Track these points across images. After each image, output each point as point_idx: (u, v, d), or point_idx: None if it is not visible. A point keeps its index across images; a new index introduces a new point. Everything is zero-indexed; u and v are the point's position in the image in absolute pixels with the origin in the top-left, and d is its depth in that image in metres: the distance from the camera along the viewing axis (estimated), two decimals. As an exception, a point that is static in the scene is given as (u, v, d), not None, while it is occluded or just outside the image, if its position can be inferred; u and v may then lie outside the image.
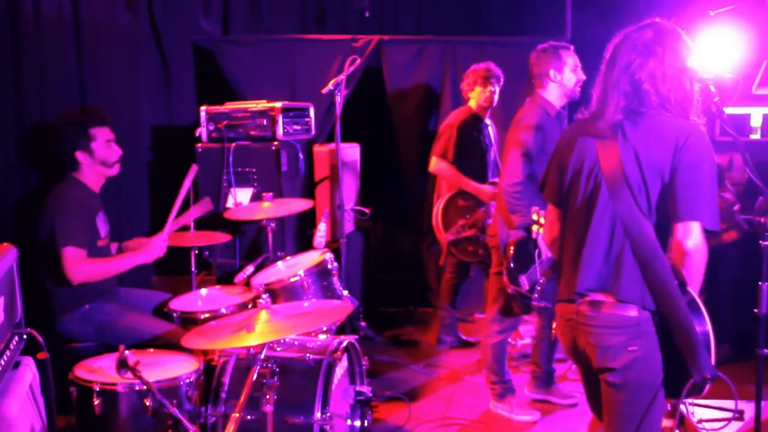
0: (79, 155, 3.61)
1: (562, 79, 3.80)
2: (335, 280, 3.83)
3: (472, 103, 4.91)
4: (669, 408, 3.22)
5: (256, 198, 4.56)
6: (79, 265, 3.45)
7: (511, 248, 3.67)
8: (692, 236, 2.20)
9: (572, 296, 2.36)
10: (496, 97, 4.87)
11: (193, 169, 3.81)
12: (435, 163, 4.86)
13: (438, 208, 4.89)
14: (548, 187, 2.57)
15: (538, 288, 3.74)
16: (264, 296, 2.68)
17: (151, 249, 3.63)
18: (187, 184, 3.75)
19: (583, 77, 3.85)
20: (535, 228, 2.84)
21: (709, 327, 2.26)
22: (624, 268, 2.26)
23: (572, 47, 3.87)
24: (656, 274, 2.21)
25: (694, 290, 2.30)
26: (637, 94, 2.31)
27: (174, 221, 3.76)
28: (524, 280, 3.69)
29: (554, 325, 2.59)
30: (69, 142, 3.60)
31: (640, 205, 2.26)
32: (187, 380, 2.93)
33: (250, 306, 3.62)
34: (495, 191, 4.66)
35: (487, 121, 5.01)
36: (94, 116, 3.65)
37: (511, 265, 3.67)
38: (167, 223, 3.70)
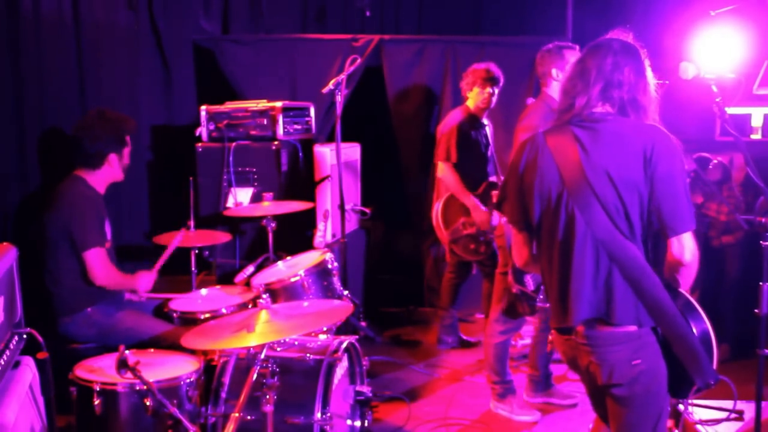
0: (112, 158, 3.67)
1: None
2: (335, 280, 3.83)
3: (470, 103, 4.90)
4: (668, 408, 3.22)
5: (256, 198, 4.56)
6: (106, 268, 3.53)
7: None
8: (687, 248, 2.20)
9: (566, 326, 2.33)
10: (494, 99, 4.85)
11: (182, 232, 3.96)
12: (442, 170, 4.85)
13: (438, 207, 4.88)
14: (509, 210, 2.47)
15: (543, 288, 3.73)
16: (264, 296, 2.68)
17: (142, 280, 3.71)
18: (176, 242, 3.88)
19: None
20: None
21: (707, 324, 2.27)
22: (615, 293, 2.22)
23: (577, 47, 3.87)
24: (648, 292, 2.19)
25: (685, 291, 2.30)
26: (603, 91, 2.28)
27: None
28: (529, 280, 3.68)
29: (550, 338, 2.58)
30: (107, 144, 3.65)
31: (620, 227, 2.21)
32: (188, 380, 2.93)
33: (250, 306, 3.61)
34: (489, 216, 4.67)
35: (485, 121, 5.00)
36: (130, 124, 3.79)
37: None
38: (156, 266, 3.79)
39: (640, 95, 2.29)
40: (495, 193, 3.72)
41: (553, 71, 3.79)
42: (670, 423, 3.26)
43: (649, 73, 2.33)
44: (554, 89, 3.82)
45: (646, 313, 2.21)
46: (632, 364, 2.24)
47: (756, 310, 3.00)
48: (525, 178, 2.38)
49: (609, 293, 2.23)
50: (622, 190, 2.20)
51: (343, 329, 4.17)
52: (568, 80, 2.39)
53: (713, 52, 3.43)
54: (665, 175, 2.18)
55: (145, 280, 3.71)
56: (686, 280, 2.26)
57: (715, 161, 4.86)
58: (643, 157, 2.19)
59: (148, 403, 2.78)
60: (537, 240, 2.44)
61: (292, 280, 3.65)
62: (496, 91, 4.84)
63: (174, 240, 3.89)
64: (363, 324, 4.92)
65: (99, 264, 3.50)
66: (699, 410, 3.61)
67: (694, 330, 2.22)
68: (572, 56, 3.81)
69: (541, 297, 3.70)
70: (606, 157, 2.23)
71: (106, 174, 3.70)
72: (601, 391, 2.38)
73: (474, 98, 4.86)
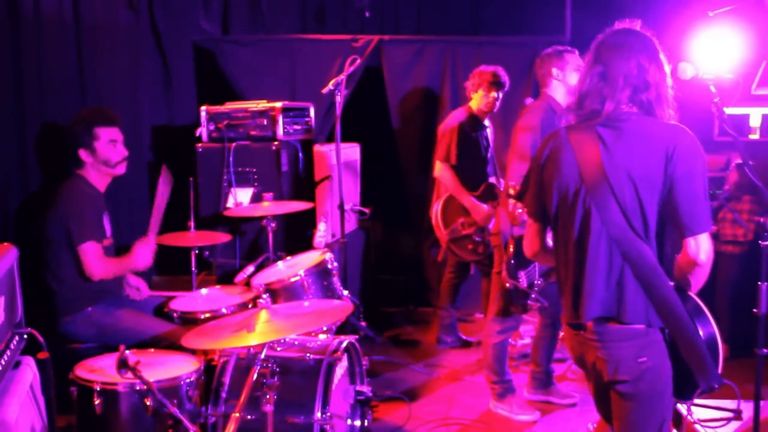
0: (83, 153, 3.64)
1: (564, 77, 3.82)
2: (335, 280, 3.83)
3: (473, 104, 4.90)
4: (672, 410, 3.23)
5: (256, 198, 4.57)
6: (99, 261, 3.52)
7: (511, 246, 3.69)
8: (703, 248, 2.20)
9: (577, 322, 2.35)
10: (497, 104, 4.84)
11: (163, 176, 3.77)
12: (439, 169, 4.86)
13: (438, 206, 4.89)
14: (529, 201, 2.51)
15: (536, 287, 3.75)
16: (264, 296, 2.69)
17: (140, 254, 3.61)
18: (163, 196, 3.74)
19: None
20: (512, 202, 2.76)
21: (714, 328, 2.29)
22: (627, 292, 2.23)
23: (576, 52, 3.89)
24: (658, 293, 2.20)
25: (693, 293, 2.31)
26: (630, 96, 2.27)
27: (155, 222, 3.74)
28: (523, 277, 3.70)
29: (561, 335, 2.60)
30: (74, 140, 3.64)
31: (634, 226, 2.22)
32: (188, 380, 2.94)
33: (250, 306, 3.62)
34: (490, 212, 4.68)
35: (486, 122, 5.01)
36: (100, 116, 3.69)
37: (512, 261, 3.69)
38: (151, 229, 3.69)
39: (663, 89, 2.29)
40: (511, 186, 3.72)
41: (554, 70, 3.81)
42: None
43: (665, 62, 2.32)
44: (554, 88, 3.84)
45: (655, 314, 2.23)
46: (638, 361, 2.25)
47: (755, 310, 3.01)
48: (545, 171, 2.40)
49: (621, 293, 2.24)
50: (641, 189, 2.21)
51: (343, 329, 4.18)
52: (589, 82, 2.34)
53: (711, 52, 3.45)
54: (685, 174, 2.18)
55: (143, 253, 3.62)
56: (698, 282, 2.27)
57: (735, 163, 4.77)
58: (665, 156, 2.19)
59: (148, 403, 2.78)
60: (553, 234, 2.46)
61: (292, 280, 3.66)
62: (501, 95, 4.83)
63: (159, 194, 3.76)
64: (363, 324, 4.93)
65: (93, 257, 3.49)
66: (698, 410, 3.62)
67: (701, 333, 2.24)
68: (572, 59, 3.84)
69: (534, 296, 3.72)
70: (627, 156, 2.23)
71: (97, 170, 3.69)
72: (606, 389, 2.39)
73: (478, 100, 4.86)
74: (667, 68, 2.32)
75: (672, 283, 2.24)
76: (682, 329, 2.20)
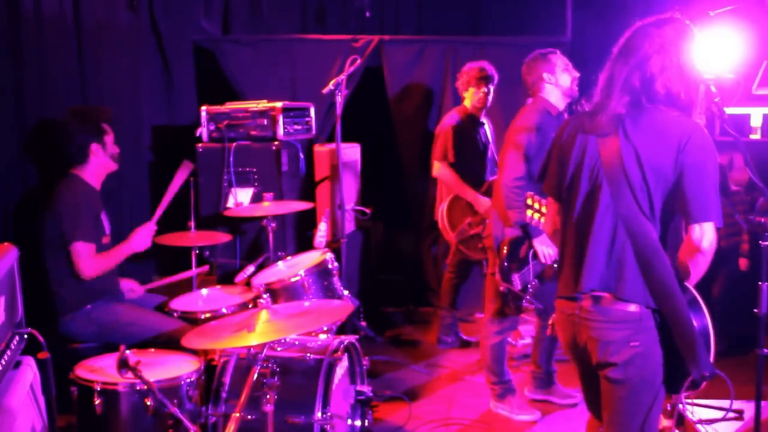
0: (94, 147, 3.67)
1: (556, 80, 3.85)
2: (336, 280, 3.83)
3: (467, 103, 4.92)
4: (668, 408, 3.23)
5: (256, 198, 4.57)
6: (91, 261, 3.52)
7: (505, 247, 3.69)
8: (707, 236, 2.22)
9: (574, 294, 2.37)
10: (490, 98, 4.86)
11: (187, 166, 3.84)
12: (438, 168, 4.86)
13: (443, 208, 4.89)
14: (548, 180, 2.57)
15: (530, 289, 3.74)
16: (264, 296, 2.69)
17: (138, 238, 3.66)
18: (179, 179, 3.81)
19: (577, 74, 3.90)
20: (529, 213, 2.80)
21: (708, 321, 2.31)
22: (627, 269, 2.27)
23: (558, 51, 3.91)
24: (658, 275, 2.23)
25: (691, 286, 2.32)
26: (646, 90, 2.31)
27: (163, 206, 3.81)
28: (517, 279, 3.70)
29: (551, 321, 2.59)
30: (85, 135, 3.67)
31: (642, 206, 2.26)
32: (188, 380, 2.94)
33: (250, 306, 3.62)
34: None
35: (483, 120, 5.01)
36: (104, 112, 3.79)
37: (505, 263, 3.68)
38: (155, 214, 3.74)
39: (674, 84, 2.31)
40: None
41: (545, 75, 3.85)
42: (669, 423, 3.27)
43: (695, 59, 2.32)
44: (549, 92, 3.86)
45: (652, 296, 2.25)
46: (630, 345, 2.27)
47: (755, 310, 3.01)
48: (565, 148, 2.46)
49: (621, 269, 2.28)
50: (648, 174, 2.25)
51: (343, 329, 4.18)
52: (612, 73, 2.37)
53: (712, 52, 3.44)
54: (695, 165, 2.22)
55: (141, 236, 3.67)
56: (697, 271, 2.29)
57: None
58: (677, 146, 2.24)
59: (148, 403, 2.78)
60: (563, 210, 2.49)
61: (293, 280, 3.66)
62: (492, 89, 4.85)
63: (175, 180, 3.81)
64: (363, 324, 4.93)
65: (83, 257, 3.50)
66: (699, 410, 3.62)
67: (695, 324, 2.24)
68: (558, 60, 3.87)
69: (528, 297, 3.72)
70: (641, 140, 2.28)
71: (97, 166, 3.71)
72: (594, 374, 2.40)
73: (470, 98, 4.88)
74: (694, 60, 2.32)
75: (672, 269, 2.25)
76: (676, 312, 2.22)
